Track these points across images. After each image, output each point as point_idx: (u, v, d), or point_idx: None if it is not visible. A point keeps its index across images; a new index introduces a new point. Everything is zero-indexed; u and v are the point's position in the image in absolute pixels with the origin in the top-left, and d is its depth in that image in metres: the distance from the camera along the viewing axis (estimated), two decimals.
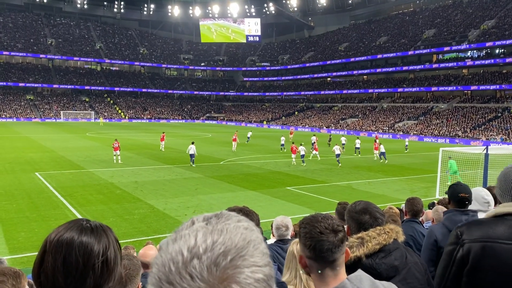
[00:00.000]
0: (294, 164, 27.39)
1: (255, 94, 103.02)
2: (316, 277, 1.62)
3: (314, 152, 30.76)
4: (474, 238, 2.00)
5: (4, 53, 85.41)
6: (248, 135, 43.88)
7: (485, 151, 17.26)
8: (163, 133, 35.74)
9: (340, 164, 27.48)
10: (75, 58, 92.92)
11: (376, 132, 59.99)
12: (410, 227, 4.06)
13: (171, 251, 0.64)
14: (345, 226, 1.87)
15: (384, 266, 1.95)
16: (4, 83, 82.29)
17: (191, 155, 25.91)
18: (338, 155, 28.01)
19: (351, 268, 1.85)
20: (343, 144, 36.12)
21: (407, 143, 40.48)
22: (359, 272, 1.60)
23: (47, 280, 1.05)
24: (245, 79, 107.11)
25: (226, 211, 0.74)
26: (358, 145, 34.45)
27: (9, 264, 10.51)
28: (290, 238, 3.60)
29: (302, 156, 27.61)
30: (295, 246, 2.63)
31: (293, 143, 29.39)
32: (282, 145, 36.16)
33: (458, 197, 3.36)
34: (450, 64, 67.39)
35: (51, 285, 1.05)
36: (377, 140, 33.20)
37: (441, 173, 19.60)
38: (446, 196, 3.63)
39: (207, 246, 0.63)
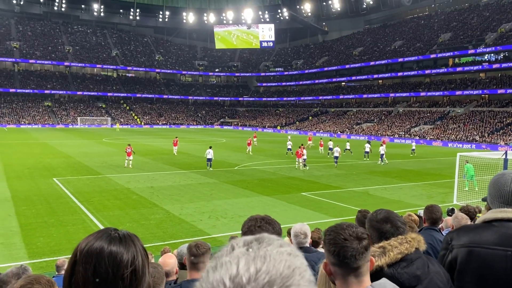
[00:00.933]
0: (297, 168, 27.69)
1: (269, 99, 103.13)
2: (340, 284, 1.64)
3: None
4: (462, 243, 2.11)
5: (23, 60, 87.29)
6: (289, 147, 37.05)
7: (504, 156, 16.96)
8: (176, 137, 36.24)
9: (336, 165, 29.06)
10: (92, 65, 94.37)
11: (385, 136, 59.46)
12: (429, 235, 4.00)
13: (212, 280, 0.61)
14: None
15: (406, 276, 1.94)
16: (23, 90, 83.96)
17: (209, 159, 26.58)
18: (336, 157, 29.36)
19: (372, 277, 1.86)
20: (347, 149, 36.44)
21: (413, 147, 40.69)
22: (383, 280, 1.60)
23: None
24: (259, 84, 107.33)
25: (266, 234, 0.71)
26: (367, 150, 34.41)
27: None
28: (308, 245, 3.58)
29: (304, 160, 28.05)
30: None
31: (301, 145, 29.33)
32: (289, 149, 36.16)
33: None
34: (467, 68, 66.45)
35: None
36: (384, 145, 33.41)
37: (458, 178, 19.31)
38: (462, 204, 3.59)
39: (250, 276, 0.60)
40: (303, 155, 27.52)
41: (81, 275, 1.05)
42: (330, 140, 39.06)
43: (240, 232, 2.30)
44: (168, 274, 3.89)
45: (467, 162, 21.34)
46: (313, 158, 34.73)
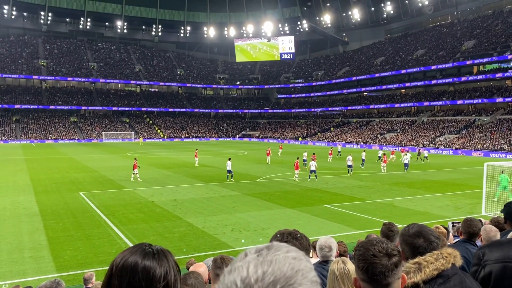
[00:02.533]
0: (296, 180, 27.29)
1: (290, 110, 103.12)
2: None
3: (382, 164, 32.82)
4: (495, 259, 2.08)
5: (50, 78, 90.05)
6: (304, 158, 36.91)
7: None
8: (196, 149, 37.66)
9: (350, 174, 30.13)
10: (116, 81, 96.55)
11: (404, 146, 58.43)
12: (464, 248, 3.89)
13: (227, 282, 0.70)
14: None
15: None
16: (50, 107, 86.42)
17: (228, 171, 27.09)
18: (350, 166, 30.08)
19: None
20: (363, 159, 36.28)
21: (426, 155, 41.00)
22: None
23: None
24: (279, 96, 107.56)
25: (277, 243, 0.78)
26: (363, 157, 35.98)
27: None
28: (333, 259, 3.56)
29: (312, 171, 27.38)
30: (335, 266, 2.61)
31: (297, 158, 29.33)
32: (305, 160, 35.81)
33: None
34: (492, 75, 65.05)
35: None
36: (402, 153, 34.60)
37: (486, 188, 18.79)
38: (500, 214, 3.50)
39: (258, 277, 0.68)
40: (303, 166, 27.34)
41: None
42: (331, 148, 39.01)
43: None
44: None
45: (503, 172, 20.71)
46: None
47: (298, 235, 2.13)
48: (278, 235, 2.15)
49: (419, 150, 47.87)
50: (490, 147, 53.02)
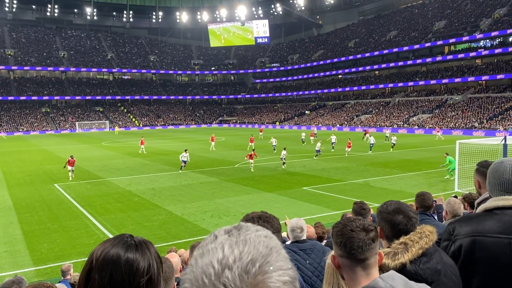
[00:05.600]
0: (251, 171, 25.25)
1: (267, 95, 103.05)
2: (348, 277, 1.64)
3: (347, 149, 32.39)
4: (465, 233, 2.10)
5: (19, 68, 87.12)
6: (273, 143, 38.09)
7: (503, 142, 16.97)
8: (142, 137, 38.69)
9: (315, 158, 30.44)
10: (87, 69, 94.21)
11: (368, 127, 59.42)
12: (422, 220, 4.02)
13: (201, 265, 0.68)
14: (378, 228, 1.87)
15: (429, 272, 1.93)
16: (20, 98, 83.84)
17: (184, 162, 26.02)
18: (318, 151, 30.89)
19: None
20: (333, 143, 37.05)
21: (387, 134, 42.35)
22: (391, 272, 1.60)
23: None
24: (255, 81, 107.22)
25: (243, 223, 0.79)
26: (334, 140, 36.83)
27: (33, 275, 10.66)
28: (305, 239, 3.69)
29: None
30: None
31: (253, 150, 29.35)
32: (274, 146, 36.55)
33: None
34: (463, 55, 66.38)
35: None
36: (367, 134, 35.87)
37: (459, 166, 19.33)
38: (464, 192, 3.60)
39: (235, 257, 0.68)
40: (255, 156, 26.62)
41: (96, 282, 1.04)
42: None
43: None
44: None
45: (448, 155, 21.31)
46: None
47: (268, 218, 2.13)
48: (248, 220, 2.15)
49: (386, 131, 48.88)
50: (462, 125, 54.39)
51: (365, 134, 46.08)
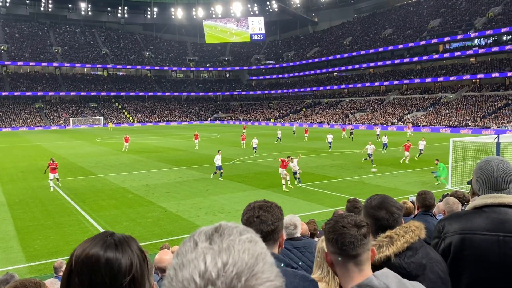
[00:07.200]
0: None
1: (262, 92, 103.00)
2: (341, 274, 1.64)
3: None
4: (454, 231, 2.13)
5: (12, 63, 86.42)
6: (279, 135, 42.71)
7: (496, 140, 17.08)
8: (126, 134, 37.52)
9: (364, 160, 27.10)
10: (81, 65, 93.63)
11: (350, 124, 59.61)
12: (424, 220, 4.02)
13: (182, 279, 0.62)
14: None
15: (413, 265, 1.94)
16: (13, 93, 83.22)
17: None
18: (330, 143, 32.70)
19: (381, 268, 1.87)
20: (330, 142, 35.18)
21: (378, 132, 42.31)
22: (385, 269, 1.61)
23: None
24: (251, 78, 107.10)
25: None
26: (330, 140, 34.65)
27: (26, 271, 10.61)
28: (299, 236, 3.69)
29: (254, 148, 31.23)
30: (324, 243, 2.65)
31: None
32: (255, 148, 33.32)
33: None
34: (457, 53, 66.67)
35: None
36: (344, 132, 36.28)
37: (452, 163, 19.43)
38: (458, 190, 3.61)
39: (218, 270, 0.62)
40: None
41: (77, 286, 0.98)
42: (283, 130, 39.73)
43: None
44: (165, 270, 3.96)
45: (438, 162, 20.14)
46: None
47: (269, 207, 2.10)
48: (249, 210, 2.13)
49: (376, 128, 48.74)
50: (455, 124, 54.69)
51: (343, 131, 46.05)
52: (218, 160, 21.81)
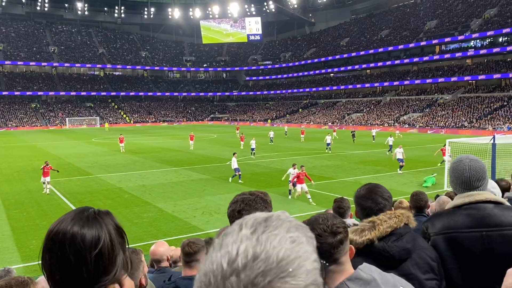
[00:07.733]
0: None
1: (258, 93, 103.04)
2: (323, 276, 1.64)
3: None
4: (437, 230, 2.18)
5: (8, 62, 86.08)
6: (271, 136, 41.77)
7: (492, 141, 17.14)
8: (121, 135, 36.91)
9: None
10: (78, 65, 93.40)
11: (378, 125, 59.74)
12: (418, 221, 4.03)
13: (214, 260, 0.61)
14: (350, 225, 1.88)
15: (397, 249, 1.95)
16: (9, 93, 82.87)
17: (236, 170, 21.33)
18: (328, 144, 32.24)
19: (363, 251, 1.91)
20: (328, 143, 34.85)
21: (374, 134, 42.28)
22: (365, 264, 1.62)
23: (49, 279, 0.98)
24: (247, 78, 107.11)
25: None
26: (329, 141, 33.59)
27: (22, 272, 10.56)
28: None
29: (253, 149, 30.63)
30: None
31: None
32: (253, 149, 31.89)
33: None
34: (454, 55, 66.95)
35: (52, 283, 0.98)
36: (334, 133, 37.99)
37: (449, 164, 19.47)
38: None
39: (247, 262, 0.60)
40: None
41: (47, 264, 0.96)
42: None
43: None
44: (160, 261, 3.97)
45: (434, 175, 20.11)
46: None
47: (251, 201, 2.08)
48: (233, 204, 2.11)
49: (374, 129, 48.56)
50: (451, 125, 54.88)
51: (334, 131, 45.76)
52: (234, 163, 21.17)
